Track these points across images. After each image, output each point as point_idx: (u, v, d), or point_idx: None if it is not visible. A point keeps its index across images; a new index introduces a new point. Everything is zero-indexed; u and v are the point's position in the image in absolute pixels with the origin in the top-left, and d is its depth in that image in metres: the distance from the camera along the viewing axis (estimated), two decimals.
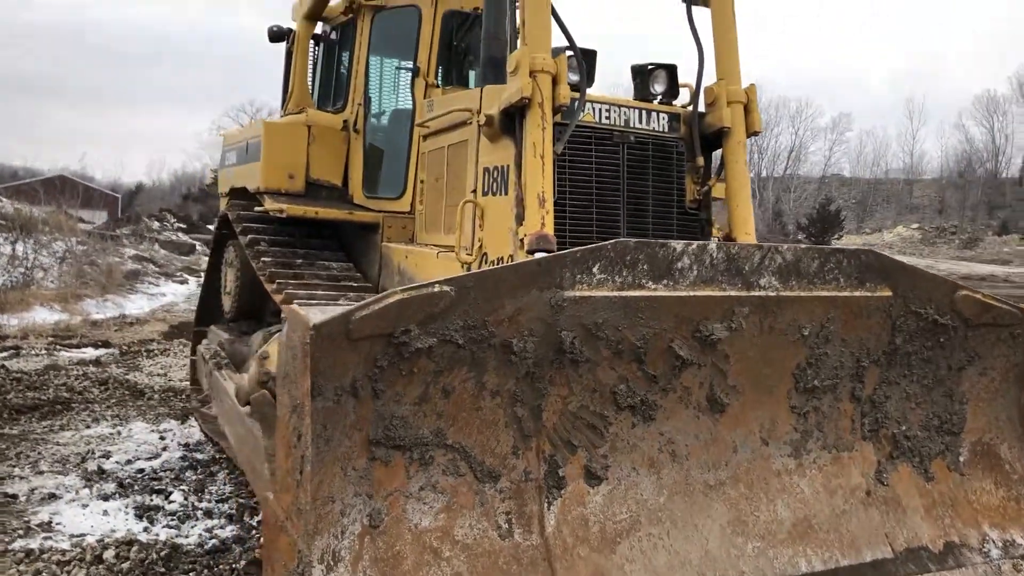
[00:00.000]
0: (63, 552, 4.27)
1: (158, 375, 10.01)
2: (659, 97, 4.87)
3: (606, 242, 3.46)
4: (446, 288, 3.11)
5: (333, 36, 6.90)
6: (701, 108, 4.88)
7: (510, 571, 3.35)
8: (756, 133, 4.83)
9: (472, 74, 6.53)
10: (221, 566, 4.21)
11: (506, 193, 4.49)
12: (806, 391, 4.08)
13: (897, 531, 4.14)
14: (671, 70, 4.84)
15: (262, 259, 5.78)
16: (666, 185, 4.76)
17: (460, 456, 3.38)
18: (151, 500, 5.13)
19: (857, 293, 4.01)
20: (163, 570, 4.15)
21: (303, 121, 6.34)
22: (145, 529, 4.69)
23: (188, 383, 8.89)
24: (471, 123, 4.89)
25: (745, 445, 3.97)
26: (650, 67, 4.83)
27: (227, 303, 6.60)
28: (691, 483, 3.81)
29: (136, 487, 5.36)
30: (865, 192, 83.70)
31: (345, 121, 6.40)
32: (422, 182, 5.75)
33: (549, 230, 4.11)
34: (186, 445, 6.63)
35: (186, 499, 5.13)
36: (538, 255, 3.38)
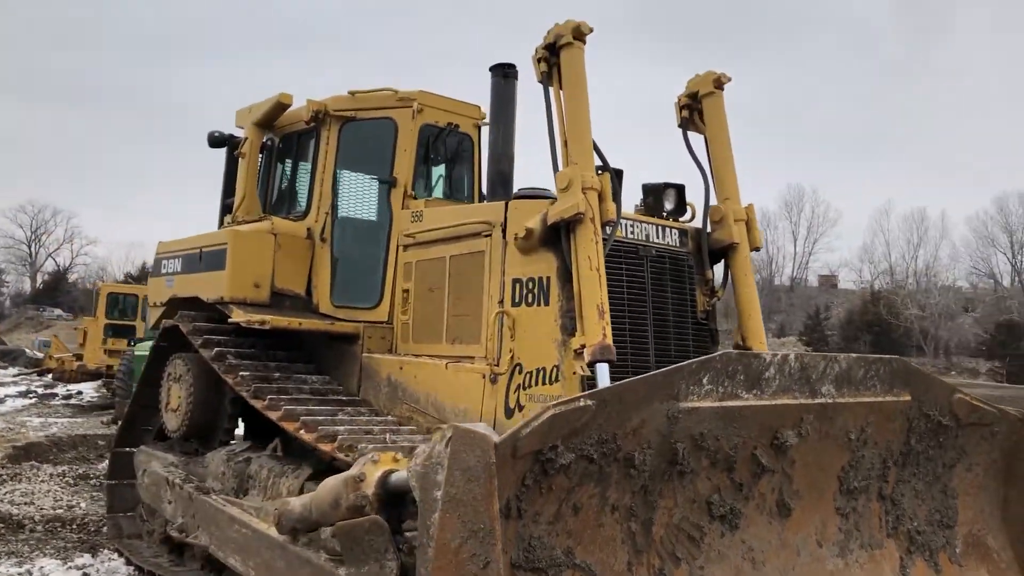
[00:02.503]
0: None
1: (24, 504, 8.96)
2: (669, 214, 5.13)
3: (713, 355, 3.58)
4: (589, 402, 3.11)
5: (279, 144, 6.76)
6: (708, 225, 5.19)
7: None
8: (758, 248, 5.18)
9: (436, 186, 6.59)
10: None
11: (546, 304, 4.54)
12: (848, 492, 4.32)
13: None
14: (680, 189, 5.13)
15: (240, 373, 5.45)
16: (681, 297, 4.98)
17: (585, 575, 3.32)
18: None
19: (887, 398, 4.33)
20: None
21: (268, 229, 6.13)
22: None
23: (66, 511, 8.06)
24: (490, 235, 4.93)
25: (805, 548, 4.12)
26: (662, 185, 5.10)
27: (173, 421, 6.11)
28: None
29: None
30: None
31: (308, 229, 6.24)
32: (406, 291, 5.68)
33: (610, 340, 4.19)
34: None
35: None
36: (652, 374, 3.43)
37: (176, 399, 6.12)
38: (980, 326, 58.00)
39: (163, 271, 6.80)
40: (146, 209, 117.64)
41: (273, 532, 4.21)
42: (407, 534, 3.54)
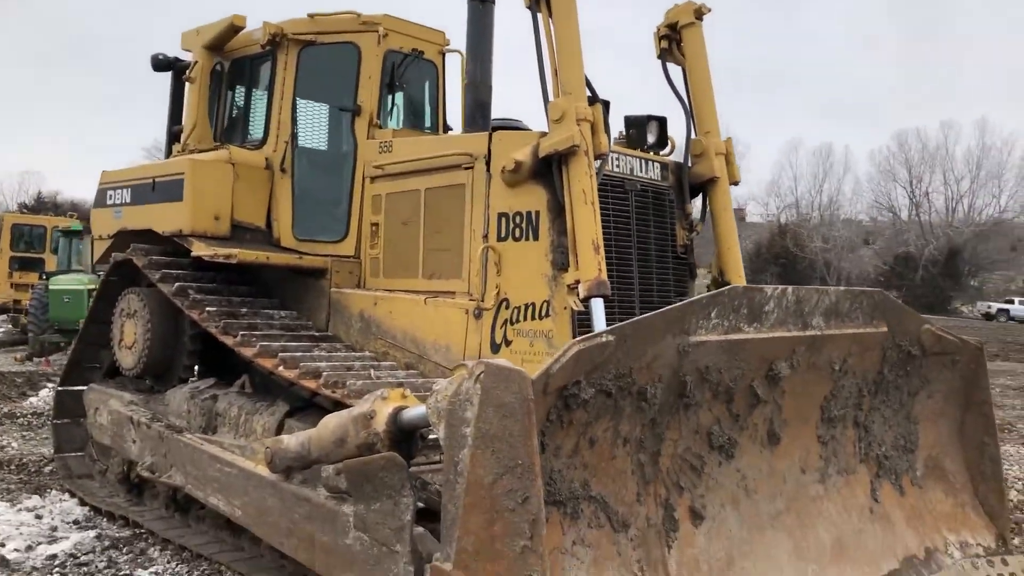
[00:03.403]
0: None
1: None
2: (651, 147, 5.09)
3: (722, 289, 3.61)
4: (610, 338, 3.10)
5: (230, 69, 6.43)
6: (689, 159, 5.18)
7: None
8: (736, 183, 5.21)
9: (396, 115, 6.40)
10: None
11: (535, 239, 4.48)
12: (828, 420, 4.46)
13: (896, 544, 4.60)
14: (662, 122, 5.08)
15: (206, 308, 5.25)
16: (663, 232, 4.98)
17: (600, 507, 3.36)
18: None
19: (867, 330, 4.46)
20: None
21: (226, 159, 5.85)
22: None
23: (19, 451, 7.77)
24: (472, 167, 4.82)
25: (791, 475, 4.25)
26: (645, 118, 5.05)
27: (128, 359, 5.87)
28: (760, 515, 4.01)
29: None
30: None
31: (267, 159, 5.99)
32: (374, 225, 5.53)
33: (604, 275, 4.17)
34: (76, 522, 5.77)
35: None
36: (667, 309, 3.43)
37: (131, 336, 5.88)
38: (879, 258, 60.45)
39: (109, 202, 6.45)
40: (38, 136, 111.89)
41: (262, 470, 4.12)
42: (414, 470, 3.51)
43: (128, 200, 6.26)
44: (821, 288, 4.14)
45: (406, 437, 3.43)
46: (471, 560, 2.85)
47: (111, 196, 6.44)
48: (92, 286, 17.37)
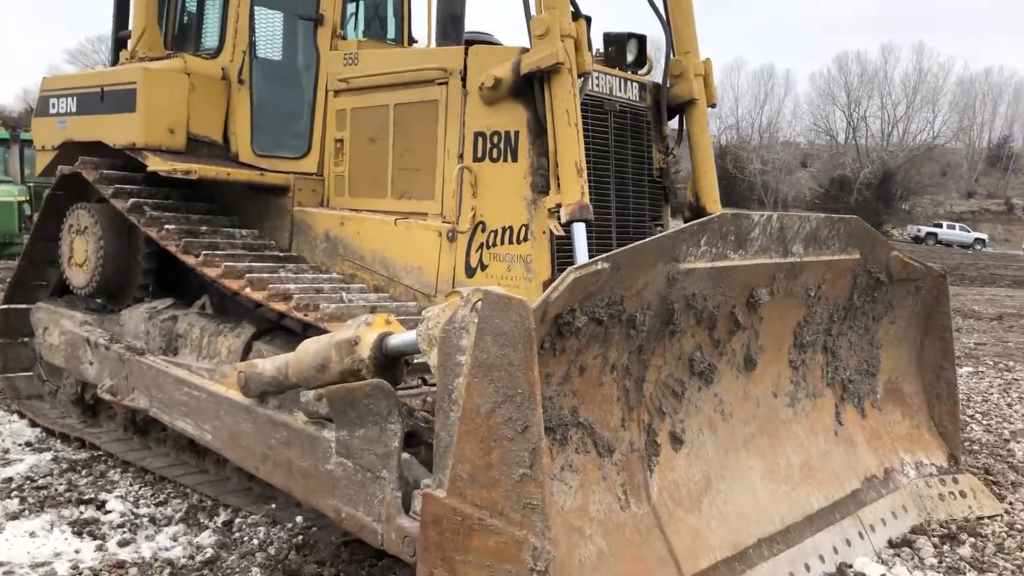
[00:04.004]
0: None
1: None
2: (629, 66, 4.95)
3: (712, 216, 3.57)
4: (605, 265, 3.04)
5: None
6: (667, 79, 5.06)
7: (635, 541, 3.40)
8: (714, 105, 5.13)
9: (355, 25, 6.15)
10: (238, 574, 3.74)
11: (514, 160, 4.37)
12: (800, 346, 4.52)
13: (857, 464, 4.74)
14: (642, 40, 4.93)
15: (164, 227, 5.03)
16: (639, 154, 4.89)
17: (587, 433, 3.35)
18: (81, 513, 4.33)
19: (841, 257, 4.49)
20: None
21: (181, 68, 5.55)
22: (99, 548, 3.97)
23: None
24: (446, 82, 4.65)
25: (764, 399, 4.31)
26: (625, 35, 4.90)
27: (79, 277, 5.62)
28: (735, 439, 4.08)
29: (43, 501, 4.48)
30: None
31: (224, 69, 5.70)
32: (339, 141, 5.34)
33: (587, 199, 4.09)
34: (29, 444, 5.60)
35: (123, 506, 4.41)
36: (660, 236, 3.38)
37: (82, 253, 5.63)
38: (816, 180, 61.40)
39: (52, 111, 6.10)
40: None
41: (233, 394, 4.02)
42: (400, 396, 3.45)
43: (74, 110, 5.92)
44: (803, 215, 4.13)
45: (391, 363, 3.36)
46: (466, 487, 2.83)
47: (54, 105, 6.09)
48: (23, 198, 16.69)
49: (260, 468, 3.88)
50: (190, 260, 4.84)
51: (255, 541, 4.10)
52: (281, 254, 5.21)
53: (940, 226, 54.77)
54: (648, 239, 3.26)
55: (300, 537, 4.10)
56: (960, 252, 45.09)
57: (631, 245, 3.20)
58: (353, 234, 5.06)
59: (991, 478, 5.58)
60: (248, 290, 4.53)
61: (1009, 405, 7.86)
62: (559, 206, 4.12)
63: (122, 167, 5.61)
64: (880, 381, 5.18)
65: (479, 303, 2.80)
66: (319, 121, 5.44)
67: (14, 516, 4.31)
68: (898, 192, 59.89)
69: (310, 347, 3.52)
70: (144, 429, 5.35)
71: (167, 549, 4.00)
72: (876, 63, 65.43)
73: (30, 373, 6.41)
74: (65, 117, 5.99)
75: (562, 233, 4.15)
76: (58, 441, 5.67)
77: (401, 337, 3.31)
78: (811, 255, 4.24)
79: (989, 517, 4.98)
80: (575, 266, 2.95)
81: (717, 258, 3.63)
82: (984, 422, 7.16)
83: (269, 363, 3.78)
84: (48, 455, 5.30)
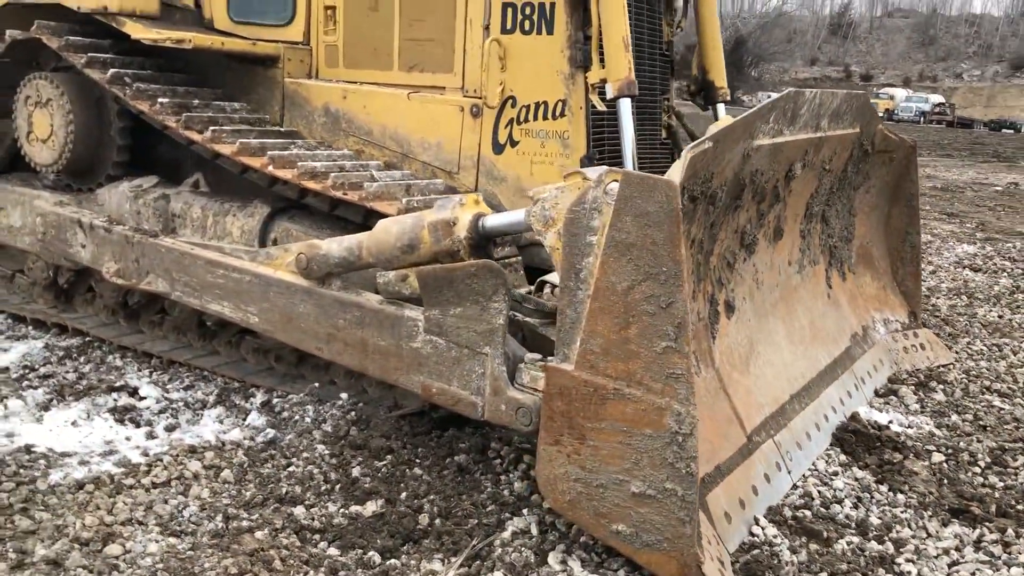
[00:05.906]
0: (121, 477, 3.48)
1: None
2: None
3: (783, 94, 3.69)
4: (710, 144, 3.14)
5: None
6: None
7: (707, 402, 3.64)
8: None
9: None
10: (305, 455, 3.76)
11: (549, 33, 4.30)
12: (808, 216, 4.80)
13: (844, 323, 5.15)
14: None
15: (158, 100, 4.70)
16: (653, 26, 4.90)
17: None
18: (116, 400, 4.17)
19: (848, 131, 4.75)
20: (271, 471, 3.62)
21: None
22: (149, 435, 3.87)
23: None
24: None
25: (783, 267, 4.59)
26: None
27: (45, 154, 5.18)
28: (765, 305, 4.35)
29: (60, 389, 4.27)
30: None
31: None
32: (330, 8, 5.07)
33: (633, 75, 4.11)
34: (1, 332, 5.29)
35: (156, 391, 4.28)
36: (746, 115, 3.49)
37: (45, 128, 5.19)
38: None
39: None
40: None
41: (284, 275, 3.93)
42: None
43: None
44: (830, 91, 4.32)
45: (484, 243, 3.39)
46: (598, 360, 2.94)
47: None
48: None
49: (324, 348, 3.86)
50: (196, 136, 4.58)
51: (307, 420, 4.11)
52: (282, 129, 5.00)
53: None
54: (737, 119, 3.36)
55: (352, 413, 4.14)
56: None
57: (726, 125, 3.29)
58: (359, 108, 4.90)
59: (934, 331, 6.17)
60: (271, 168, 4.36)
61: None
62: (604, 81, 4.12)
63: (82, 33, 5.16)
64: (854, 246, 5.57)
65: (613, 184, 2.86)
66: None
67: (44, 407, 4.14)
68: (748, 59, 61.56)
69: (392, 228, 3.48)
70: (135, 313, 5.14)
71: (225, 432, 3.96)
72: None
73: None
74: None
75: (604, 109, 4.18)
76: (31, 328, 5.38)
77: (501, 218, 3.33)
78: (832, 130, 4.47)
79: (944, 366, 5.56)
80: (691, 145, 3.03)
81: (775, 134, 3.79)
82: None
83: (335, 243, 3.72)
84: (39, 343, 5.03)
